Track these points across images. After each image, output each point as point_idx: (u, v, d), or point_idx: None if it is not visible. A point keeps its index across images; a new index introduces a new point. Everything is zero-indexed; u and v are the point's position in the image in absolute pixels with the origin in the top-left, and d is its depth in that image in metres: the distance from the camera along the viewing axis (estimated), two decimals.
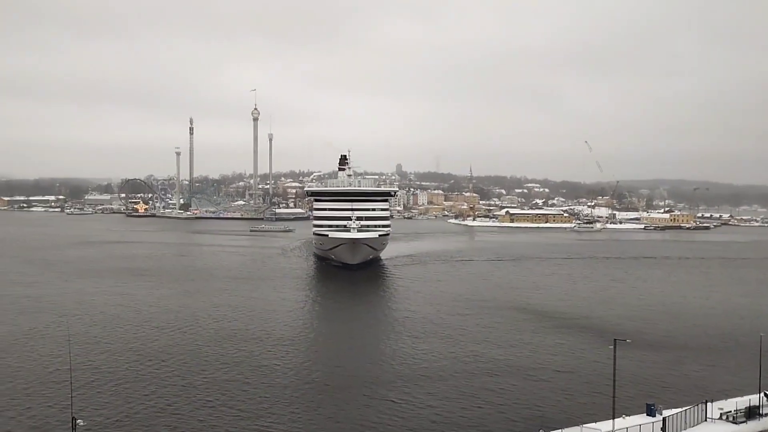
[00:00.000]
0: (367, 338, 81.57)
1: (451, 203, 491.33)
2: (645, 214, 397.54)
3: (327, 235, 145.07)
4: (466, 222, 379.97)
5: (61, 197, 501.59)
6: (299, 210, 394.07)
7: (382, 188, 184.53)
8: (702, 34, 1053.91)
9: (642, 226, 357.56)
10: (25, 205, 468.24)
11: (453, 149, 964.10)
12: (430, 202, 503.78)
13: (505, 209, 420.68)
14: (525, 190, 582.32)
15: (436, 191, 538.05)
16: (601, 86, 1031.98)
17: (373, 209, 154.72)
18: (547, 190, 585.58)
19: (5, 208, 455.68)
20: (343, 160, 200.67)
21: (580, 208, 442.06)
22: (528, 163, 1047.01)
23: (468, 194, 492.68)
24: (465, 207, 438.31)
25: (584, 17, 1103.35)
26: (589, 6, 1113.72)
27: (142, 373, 63.12)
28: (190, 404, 54.62)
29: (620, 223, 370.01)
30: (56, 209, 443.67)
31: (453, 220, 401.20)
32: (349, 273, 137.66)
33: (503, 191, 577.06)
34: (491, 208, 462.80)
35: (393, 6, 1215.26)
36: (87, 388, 57.89)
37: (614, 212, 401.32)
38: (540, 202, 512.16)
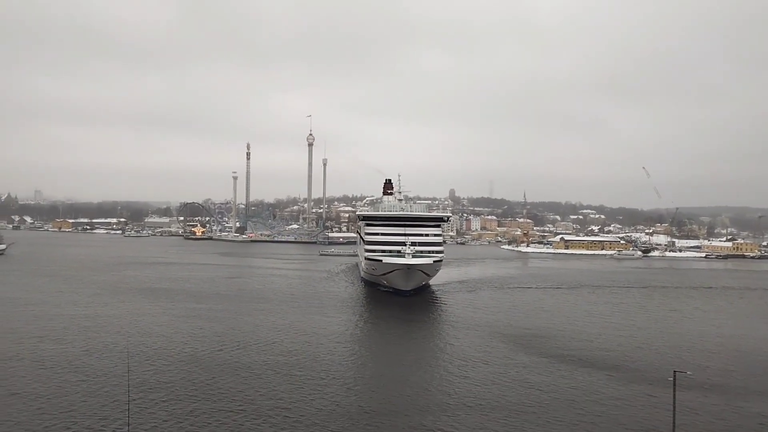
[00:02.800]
0: (415, 365, 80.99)
1: (504, 229, 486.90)
2: (706, 242, 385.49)
3: (380, 260, 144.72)
4: (519, 248, 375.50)
5: (122, 220, 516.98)
6: (351, 234, 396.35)
7: (436, 213, 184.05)
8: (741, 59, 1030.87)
9: (703, 255, 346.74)
10: (88, 227, 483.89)
11: (506, 175, 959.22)
12: (483, 228, 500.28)
13: (560, 235, 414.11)
14: (580, 216, 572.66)
15: (489, 217, 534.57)
16: (642, 112, 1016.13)
17: (427, 234, 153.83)
18: (603, 216, 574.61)
19: (70, 230, 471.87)
20: (389, 185, 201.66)
21: (637, 235, 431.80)
22: (583, 189, 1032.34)
23: (522, 220, 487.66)
24: (518, 233, 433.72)
25: (613, 45, 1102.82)
26: (617, 34, 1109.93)
27: (194, 392, 64.47)
28: (238, 425, 55.56)
29: (680, 251, 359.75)
30: (117, 231, 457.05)
31: (506, 246, 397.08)
32: (400, 299, 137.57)
33: (558, 217, 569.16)
34: (545, 234, 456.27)
35: (424, 38, 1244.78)
36: (143, 405, 59.44)
37: (673, 240, 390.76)
38: (596, 228, 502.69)
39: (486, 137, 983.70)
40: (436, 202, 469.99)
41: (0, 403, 60.64)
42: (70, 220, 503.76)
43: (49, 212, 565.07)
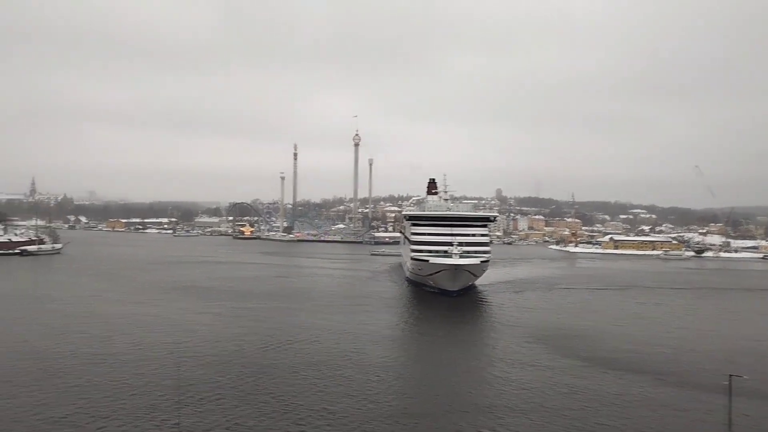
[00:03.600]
0: (460, 366, 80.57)
1: (552, 229, 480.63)
2: (764, 243, 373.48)
3: (427, 261, 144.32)
4: (567, 248, 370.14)
5: (173, 219, 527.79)
6: (397, 234, 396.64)
7: (483, 213, 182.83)
8: None
9: (760, 256, 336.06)
10: (140, 227, 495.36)
11: (553, 174, 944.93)
12: (530, 228, 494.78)
13: (609, 235, 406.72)
14: (630, 216, 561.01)
15: (536, 216, 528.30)
16: (692, 111, 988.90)
17: (474, 234, 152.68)
18: (653, 216, 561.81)
19: (123, 229, 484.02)
20: (433, 184, 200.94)
21: (690, 235, 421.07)
22: (633, 188, 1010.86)
23: (570, 220, 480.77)
24: (566, 233, 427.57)
25: (659, 43, 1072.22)
26: (662, 31, 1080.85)
27: (241, 391, 65.46)
28: (283, 425, 56.23)
29: (735, 251, 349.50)
30: (168, 231, 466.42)
31: (554, 246, 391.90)
32: (446, 299, 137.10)
33: (607, 217, 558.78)
34: (594, 234, 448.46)
35: (464, 38, 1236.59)
36: (192, 403, 60.66)
37: (728, 240, 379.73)
38: (646, 228, 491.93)
39: (532, 136, 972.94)
40: (483, 201, 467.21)
41: (56, 397, 62.68)
42: (123, 220, 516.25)
43: (103, 212, 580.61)
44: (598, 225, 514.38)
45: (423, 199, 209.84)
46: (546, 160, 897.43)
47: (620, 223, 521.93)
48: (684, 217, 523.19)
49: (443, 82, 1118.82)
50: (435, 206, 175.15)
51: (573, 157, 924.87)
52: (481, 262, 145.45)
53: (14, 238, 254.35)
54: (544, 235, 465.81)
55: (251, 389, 66.50)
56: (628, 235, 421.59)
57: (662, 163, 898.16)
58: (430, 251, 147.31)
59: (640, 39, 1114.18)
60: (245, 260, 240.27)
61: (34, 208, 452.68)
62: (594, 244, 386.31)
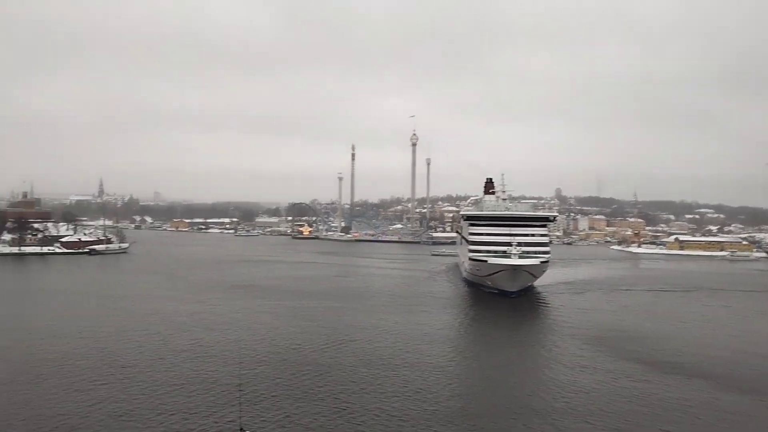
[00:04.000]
0: (519, 368, 79.70)
1: (613, 229, 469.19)
2: None
3: (485, 261, 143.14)
4: (630, 249, 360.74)
5: (234, 219, 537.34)
6: (455, 234, 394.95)
7: (542, 213, 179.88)
8: None
9: None
10: (203, 226, 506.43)
11: (614, 174, 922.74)
12: (591, 228, 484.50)
13: (674, 236, 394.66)
14: (696, 216, 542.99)
15: (597, 216, 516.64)
16: (757, 106, 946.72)
17: (533, 234, 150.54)
18: (722, 215, 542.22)
19: (186, 229, 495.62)
20: (490, 184, 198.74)
21: (761, 235, 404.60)
22: (699, 187, 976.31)
23: (632, 219, 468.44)
24: (629, 233, 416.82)
25: (725, 38, 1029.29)
26: (729, 25, 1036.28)
27: (300, 389, 66.50)
28: (341, 424, 56.70)
29: None
30: (230, 231, 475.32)
31: (616, 247, 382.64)
32: (505, 300, 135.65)
33: (671, 216, 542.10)
34: (658, 234, 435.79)
35: (522, 38, 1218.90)
36: (253, 400, 61.87)
37: None
38: (714, 228, 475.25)
39: (593, 135, 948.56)
40: (542, 201, 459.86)
41: (121, 393, 64.82)
42: (187, 220, 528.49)
43: (168, 213, 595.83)
44: (662, 225, 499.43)
45: (480, 199, 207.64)
46: (607, 159, 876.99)
47: (686, 223, 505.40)
48: (755, 217, 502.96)
49: (501, 81, 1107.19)
50: (492, 206, 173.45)
51: (635, 155, 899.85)
52: (541, 262, 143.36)
53: (83, 238, 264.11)
54: (605, 235, 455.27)
55: (308, 388, 67.32)
56: (694, 236, 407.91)
57: (731, 161, 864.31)
58: (488, 251, 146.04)
59: (702, 33, 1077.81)
60: (304, 260, 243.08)
61: (102, 209, 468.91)
62: (658, 244, 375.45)
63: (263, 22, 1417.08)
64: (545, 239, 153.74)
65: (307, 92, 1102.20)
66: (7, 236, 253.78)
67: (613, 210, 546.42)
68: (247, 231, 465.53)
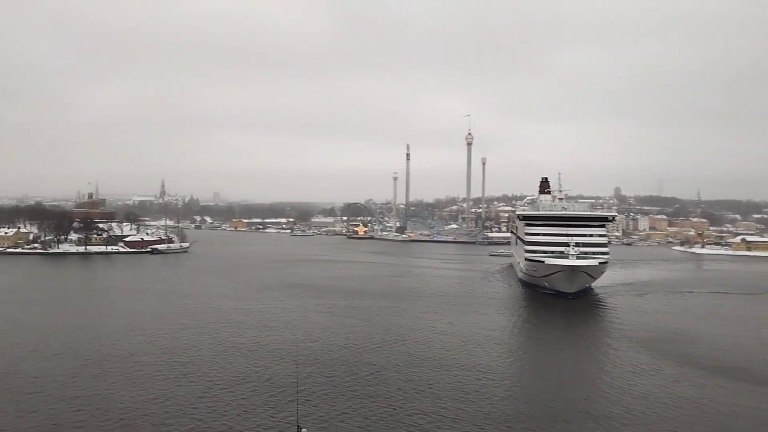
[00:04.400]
0: (576, 371, 78.17)
1: (675, 229, 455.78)
2: None
3: (542, 261, 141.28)
4: (692, 249, 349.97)
5: (290, 219, 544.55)
6: (510, 234, 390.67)
7: (600, 213, 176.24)
8: None
9: None
10: (261, 226, 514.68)
11: (676, 172, 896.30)
12: (651, 228, 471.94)
13: (740, 236, 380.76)
14: (764, 216, 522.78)
15: (658, 216, 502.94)
16: None
17: (591, 234, 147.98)
18: None
19: (245, 229, 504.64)
20: (545, 183, 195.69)
21: None
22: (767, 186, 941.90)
23: (695, 219, 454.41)
24: (692, 233, 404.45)
25: None
26: None
27: (355, 387, 67.00)
28: (396, 422, 56.76)
29: None
30: (286, 231, 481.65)
31: (678, 247, 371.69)
32: (562, 301, 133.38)
33: (737, 216, 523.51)
34: (723, 234, 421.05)
35: (575, 34, 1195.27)
36: (310, 397, 62.67)
37: None
38: None
39: (653, 133, 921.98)
40: (600, 201, 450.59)
41: (183, 390, 66.38)
42: (245, 220, 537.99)
43: (227, 213, 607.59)
44: (727, 225, 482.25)
45: (535, 198, 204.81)
46: (668, 157, 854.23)
47: (753, 223, 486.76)
48: None
49: (555, 79, 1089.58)
50: (549, 206, 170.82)
51: (698, 153, 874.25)
52: (600, 263, 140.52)
53: (146, 238, 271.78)
54: (666, 235, 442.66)
55: (362, 387, 67.66)
56: (763, 236, 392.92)
57: None
58: (545, 252, 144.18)
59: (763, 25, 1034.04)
60: (358, 260, 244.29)
61: (163, 209, 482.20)
62: (723, 245, 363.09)
63: (321, 27, 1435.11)
64: (604, 239, 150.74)
65: (363, 93, 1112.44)
66: (73, 236, 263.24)
67: (675, 210, 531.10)
68: (303, 231, 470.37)
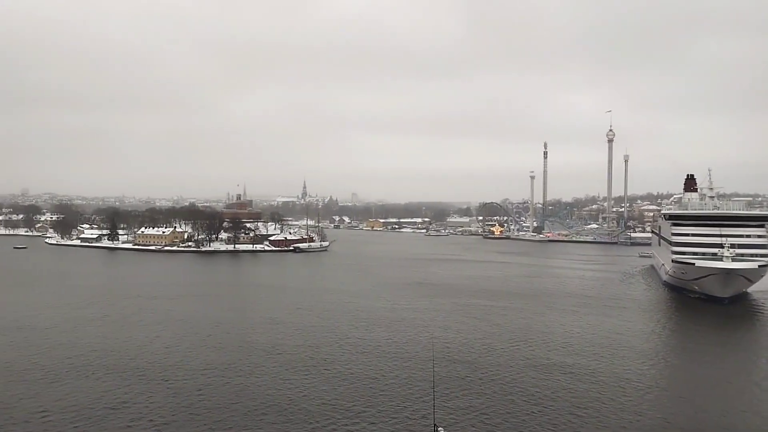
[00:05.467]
0: (734, 383, 72.17)
1: None
2: None
3: (692, 264, 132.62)
4: None
5: (426, 219, 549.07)
6: (652, 234, 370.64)
7: (759, 212, 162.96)
8: None
9: None
10: (396, 226, 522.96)
11: None
12: None
13: None
14: None
15: None
16: None
17: (749, 235, 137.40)
18: None
19: (381, 228, 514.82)
20: (691, 181, 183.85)
21: None
22: None
23: None
24: None
25: None
26: None
27: (491, 388, 66.59)
28: (533, 425, 55.85)
29: None
30: (422, 230, 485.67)
31: None
32: (714, 307, 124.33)
33: None
34: None
35: (714, 24, 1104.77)
36: (445, 395, 62.88)
37: None
38: None
39: None
40: (759, 198, 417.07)
41: (324, 382, 68.95)
42: (381, 220, 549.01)
43: (363, 213, 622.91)
44: None
45: (681, 197, 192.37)
46: None
47: None
48: None
49: (699, 72, 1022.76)
50: (697, 204, 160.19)
51: None
52: (760, 266, 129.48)
53: (289, 237, 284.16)
54: None
55: (499, 387, 67.04)
56: None
57: None
58: (695, 253, 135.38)
59: None
60: (494, 260, 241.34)
61: (305, 209, 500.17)
62: None
63: (451, 29, 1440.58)
64: (763, 240, 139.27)
65: (496, 92, 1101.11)
66: (223, 235, 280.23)
67: None
68: (438, 231, 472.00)
